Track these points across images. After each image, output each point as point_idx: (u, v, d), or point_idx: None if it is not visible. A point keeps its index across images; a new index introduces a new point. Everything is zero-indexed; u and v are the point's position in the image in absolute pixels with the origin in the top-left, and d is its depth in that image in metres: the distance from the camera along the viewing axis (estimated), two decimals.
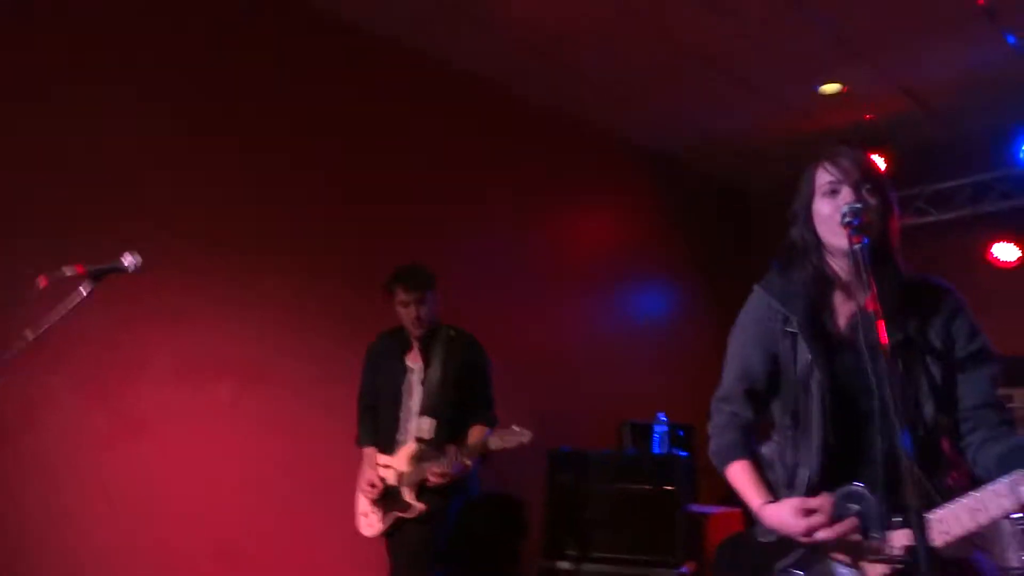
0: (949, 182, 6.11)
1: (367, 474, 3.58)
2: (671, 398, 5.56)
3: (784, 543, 1.81)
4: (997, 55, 4.93)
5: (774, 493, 1.91)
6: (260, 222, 4.13)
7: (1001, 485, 1.58)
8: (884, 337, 1.56)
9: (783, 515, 1.79)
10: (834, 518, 1.72)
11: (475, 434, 3.53)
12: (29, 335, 2.33)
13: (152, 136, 3.82)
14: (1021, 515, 4.03)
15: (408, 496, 3.46)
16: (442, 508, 3.47)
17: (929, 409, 1.82)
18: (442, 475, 3.36)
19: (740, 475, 1.96)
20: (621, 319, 6.14)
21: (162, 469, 3.66)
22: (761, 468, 1.96)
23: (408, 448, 3.51)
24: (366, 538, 3.59)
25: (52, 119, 3.53)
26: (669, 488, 4.70)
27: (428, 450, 3.47)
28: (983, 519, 1.58)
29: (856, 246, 1.69)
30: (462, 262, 5.05)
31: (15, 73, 3.45)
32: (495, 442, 3.25)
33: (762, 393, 2.03)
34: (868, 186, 1.86)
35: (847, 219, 1.73)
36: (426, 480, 3.40)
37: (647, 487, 4.73)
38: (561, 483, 4.94)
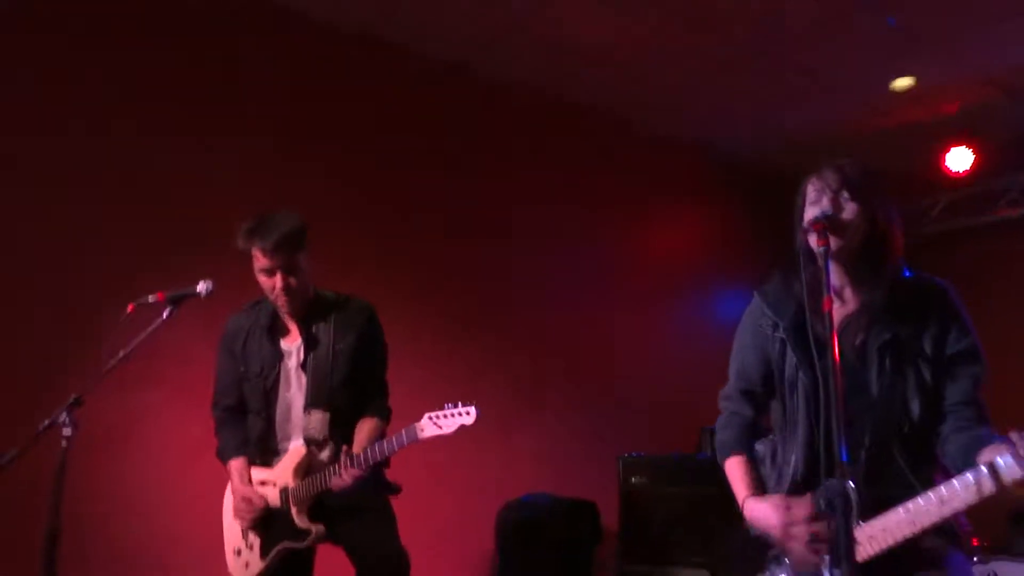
0: None
1: (239, 490, 2.75)
2: None
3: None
4: None
5: (764, 488, 2.01)
6: (342, 246, 4.41)
7: (929, 498, 1.70)
8: (835, 341, 1.64)
9: (764, 510, 1.90)
10: (815, 514, 1.80)
11: (364, 431, 2.71)
12: (120, 354, 2.67)
13: (232, 170, 4.17)
14: None
15: (300, 519, 2.63)
16: (375, 531, 2.68)
17: (916, 407, 1.87)
18: (349, 479, 2.54)
19: (733, 469, 2.08)
20: (701, 324, 6.15)
21: None
22: (755, 464, 2.06)
23: (294, 454, 2.71)
24: None
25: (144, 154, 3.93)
26: None
27: (319, 454, 2.71)
28: (916, 528, 1.71)
29: (819, 248, 1.78)
30: (540, 269, 5.27)
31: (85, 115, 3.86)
32: (429, 428, 2.43)
33: (759, 393, 2.14)
34: (847, 194, 1.93)
35: (805, 224, 1.81)
36: (326, 493, 2.61)
37: (719, 490, 4.74)
38: (635, 487, 5.02)
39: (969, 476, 1.66)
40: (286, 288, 2.66)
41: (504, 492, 4.63)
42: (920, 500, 1.72)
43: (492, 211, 5.10)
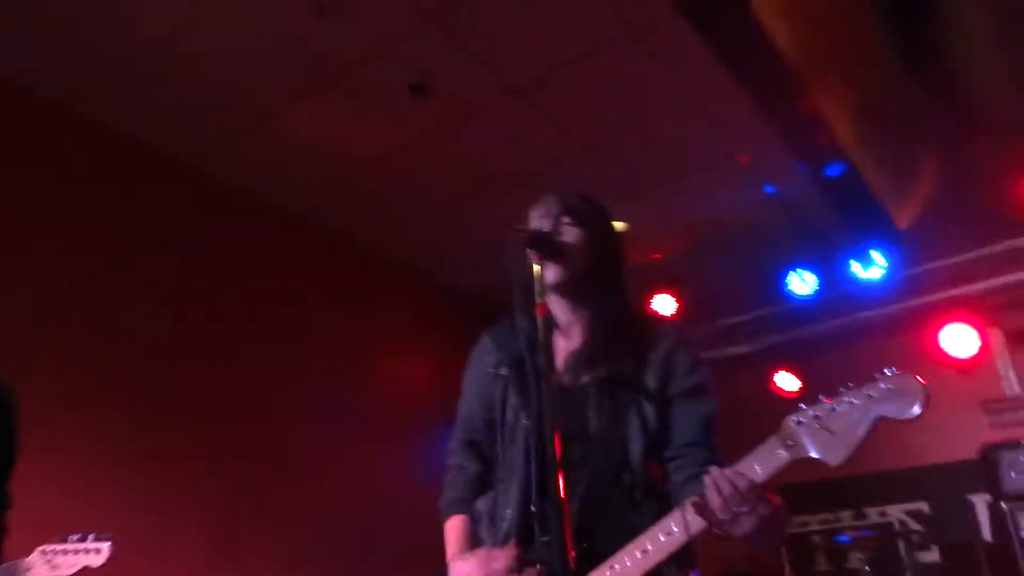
0: (732, 318, 6.55)
1: None
2: None
3: None
4: (755, 198, 5.45)
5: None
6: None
7: (632, 553, 1.57)
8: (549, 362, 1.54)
9: (465, 568, 1.71)
10: (517, 564, 1.63)
11: None
12: None
13: None
14: None
15: None
16: None
17: (637, 449, 1.73)
18: None
19: (449, 532, 1.87)
20: (424, 458, 5.85)
21: None
22: (473, 524, 1.85)
23: None
24: None
25: None
26: None
27: None
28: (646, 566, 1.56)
29: (535, 265, 1.68)
30: (259, 406, 4.70)
31: None
32: (39, 568, 1.98)
33: (484, 443, 1.93)
34: (568, 219, 1.87)
35: (521, 238, 1.71)
36: None
37: None
38: None
39: (671, 523, 1.55)
40: None
41: None
42: (625, 557, 1.57)
43: (198, 323, 4.54)
